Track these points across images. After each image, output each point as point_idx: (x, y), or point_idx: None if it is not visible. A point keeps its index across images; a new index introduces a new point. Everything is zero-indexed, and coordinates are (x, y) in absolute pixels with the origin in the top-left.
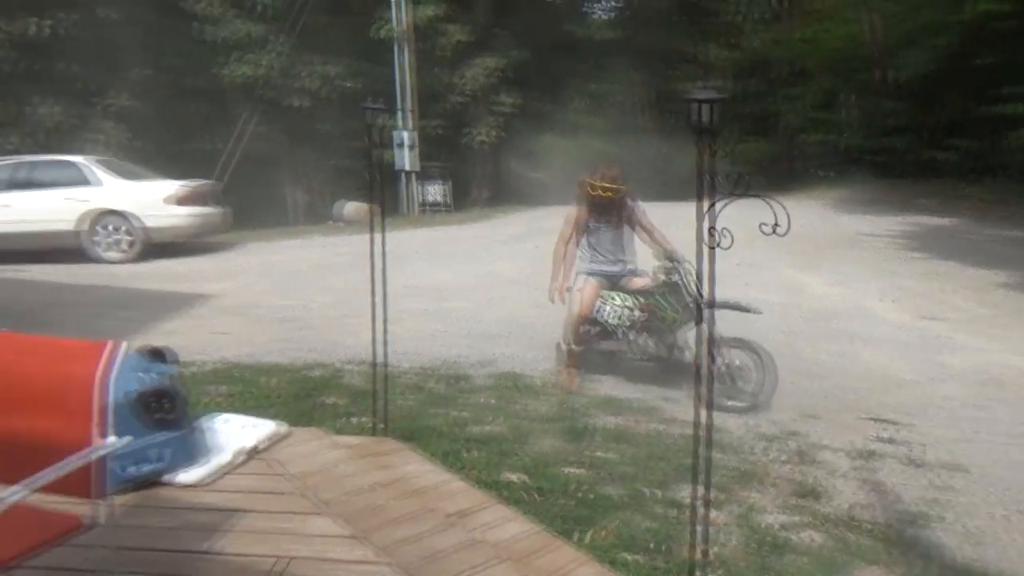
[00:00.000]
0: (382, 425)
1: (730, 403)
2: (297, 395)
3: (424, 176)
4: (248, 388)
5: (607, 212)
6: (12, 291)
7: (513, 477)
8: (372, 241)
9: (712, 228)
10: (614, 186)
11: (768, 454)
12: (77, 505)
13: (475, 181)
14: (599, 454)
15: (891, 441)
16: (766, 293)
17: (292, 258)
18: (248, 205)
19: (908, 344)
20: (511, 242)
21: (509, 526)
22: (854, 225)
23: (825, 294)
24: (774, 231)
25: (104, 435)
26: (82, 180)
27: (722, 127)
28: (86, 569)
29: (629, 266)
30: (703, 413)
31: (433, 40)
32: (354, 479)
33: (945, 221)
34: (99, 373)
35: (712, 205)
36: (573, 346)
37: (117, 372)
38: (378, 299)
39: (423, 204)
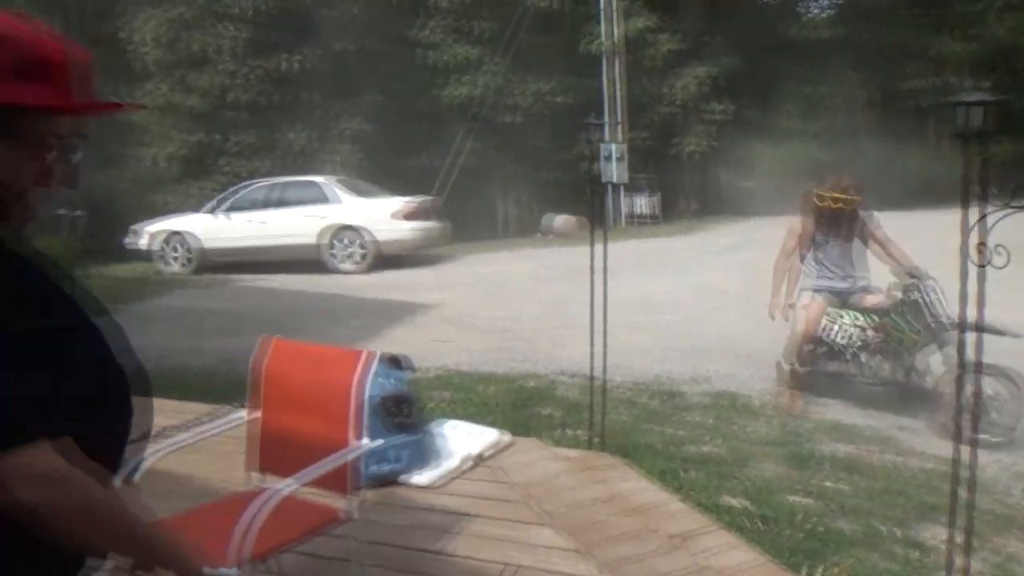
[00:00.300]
0: (598, 439)
1: (981, 436)
2: (514, 404)
3: (632, 188)
4: (468, 395)
5: (837, 225)
6: (263, 299)
7: (734, 502)
8: (592, 255)
9: (982, 244)
10: (846, 196)
11: None
12: (334, 499)
13: (684, 192)
14: (828, 484)
15: None
16: None
17: (503, 270)
18: (462, 219)
19: None
20: (723, 253)
21: (733, 554)
22: None
23: None
24: None
25: (359, 436)
26: (323, 198)
27: (994, 131)
28: (339, 558)
29: (861, 282)
30: (958, 447)
31: (642, 51)
32: (574, 492)
33: None
34: (355, 379)
35: (983, 218)
36: (796, 366)
37: (369, 378)
38: (588, 312)
39: (631, 216)
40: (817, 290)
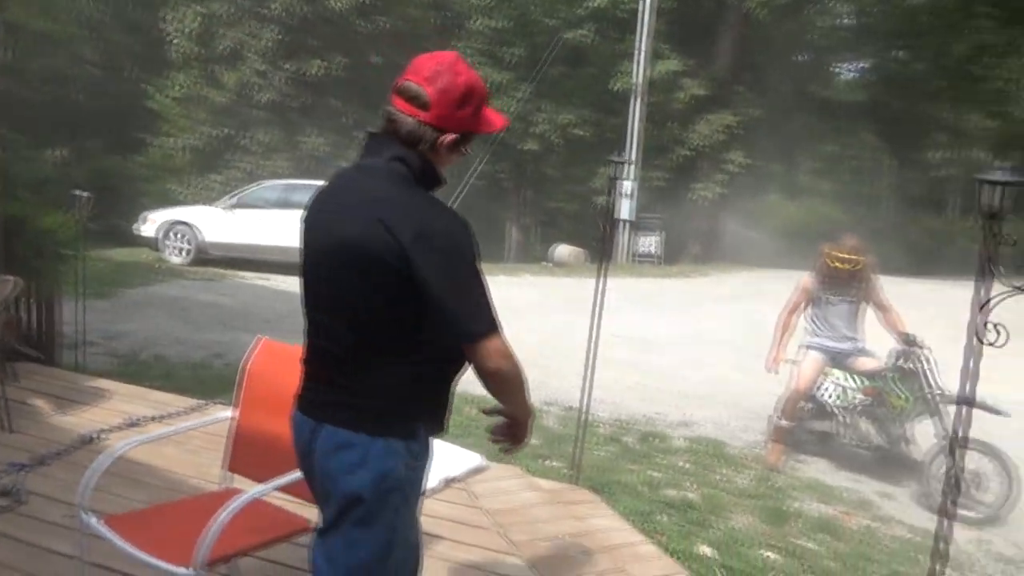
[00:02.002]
0: (567, 471)
1: (964, 513)
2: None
3: (639, 227)
4: (453, 416)
5: (843, 285)
6: (263, 298)
7: (707, 551)
8: (597, 290)
9: (996, 324)
10: (853, 258)
11: None
12: (303, 507)
13: (690, 236)
14: (801, 542)
15: None
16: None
17: (505, 295)
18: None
19: None
20: (723, 302)
21: None
22: None
23: None
24: None
25: None
26: None
27: (1014, 212)
28: (300, 568)
29: (859, 344)
30: (942, 521)
31: (669, 93)
32: (547, 525)
33: None
34: None
35: (1000, 296)
36: (783, 422)
37: None
38: (584, 345)
39: (636, 254)
40: (815, 348)
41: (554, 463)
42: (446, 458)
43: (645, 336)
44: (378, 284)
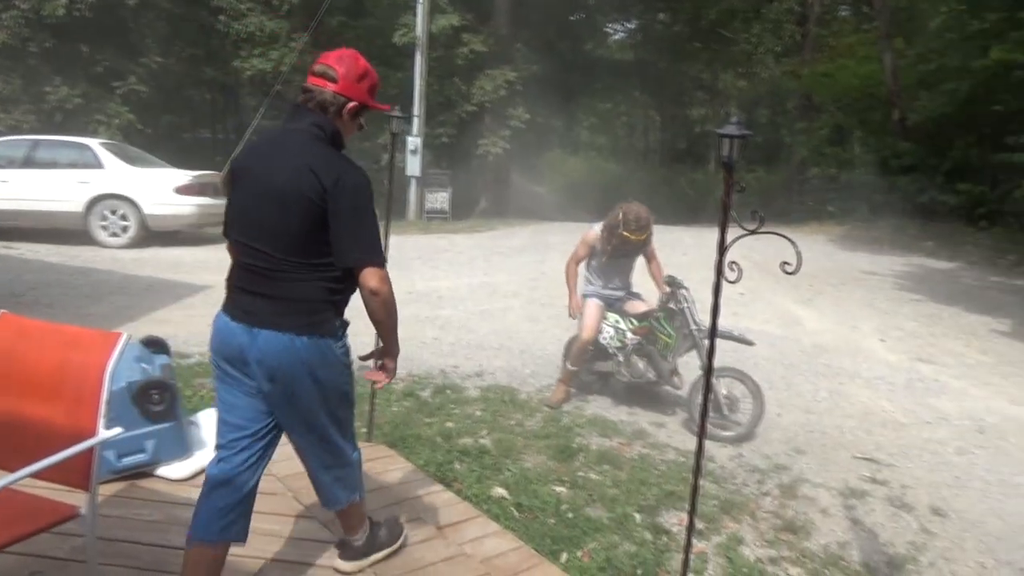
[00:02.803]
0: (365, 430)
1: (722, 433)
2: None
3: (428, 183)
4: None
5: (629, 251)
6: (13, 270)
7: (501, 492)
8: (384, 247)
9: (727, 262)
10: (645, 236)
11: (757, 487)
12: (70, 493)
13: (479, 191)
14: (586, 474)
15: (878, 482)
16: (765, 325)
17: None
18: None
19: (901, 385)
20: (512, 254)
21: (494, 542)
22: (856, 262)
23: (824, 329)
24: (796, 271)
25: (102, 425)
26: (93, 163)
27: (741, 162)
28: (70, 559)
29: (631, 289)
30: (701, 442)
31: (451, 49)
32: None
33: (947, 265)
34: (101, 363)
35: (725, 240)
36: (570, 366)
37: (111, 363)
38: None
39: (426, 211)
40: (593, 296)
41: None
42: None
43: (438, 291)
44: (302, 216)
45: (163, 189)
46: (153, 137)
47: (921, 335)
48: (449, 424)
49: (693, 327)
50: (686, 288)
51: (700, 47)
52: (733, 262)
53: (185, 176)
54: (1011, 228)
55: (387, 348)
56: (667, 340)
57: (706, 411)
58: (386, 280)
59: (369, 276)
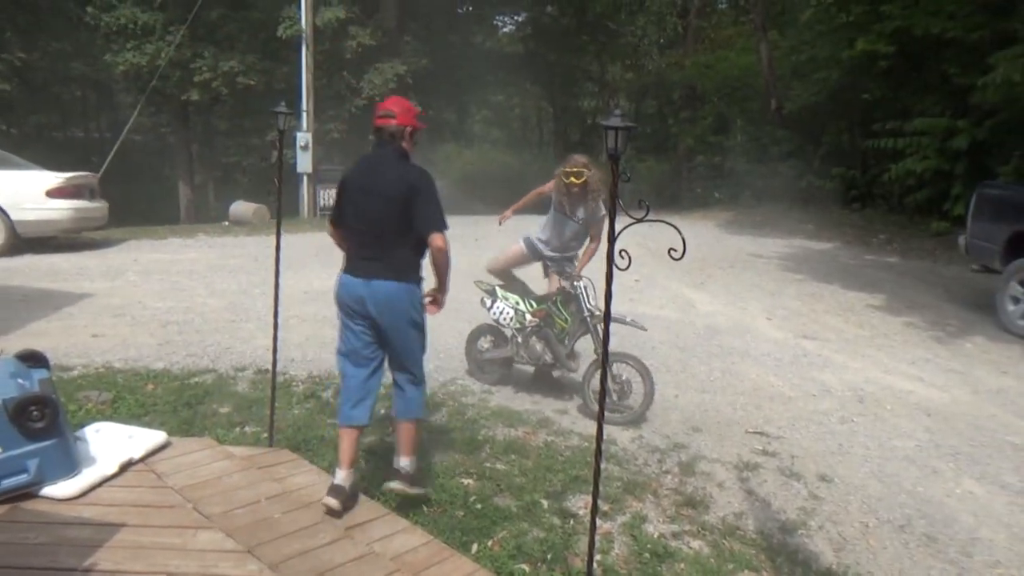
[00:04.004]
0: (266, 435)
1: (616, 417)
2: (183, 403)
3: (321, 179)
4: (129, 395)
5: (571, 205)
6: None
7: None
8: (278, 247)
9: (617, 250)
10: (581, 181)
11: (658, 466)
12: None
13: None
14: (492, 465)
15: (769, 453)
16: (660, 310)
17: (180, 257)
18: (138, 200)
19: (788, 361)
20: None
21: (404, 538)
22: (742, 246)
23: (714, 311)
24: (682, 257)
25: None
26: None
27: (630, 152)
28: None
29: (567, 266)
30: (601, 427)
31: (338, 42)
32: (243, 492)
33: (825, 245)
34: None
35: (614, 230)
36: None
37: None
38: (272, 305)
39: (320, 208)
40: (527, 240)
41: (251, 428)
42: (117, 440)
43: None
44: (398, 207)
45: (32, 193)
46: (19, 138)
47: (804, 313)
48: None
49: (586, 313)
50: (584, 277)
51: (588, 39)
52: (623, 250)
53: (56, 178)
54: (880, 209)
55: (441, 287)
56: (563, 324)
57: (604, 396)
58: (445, 240)
59: (436, 238)
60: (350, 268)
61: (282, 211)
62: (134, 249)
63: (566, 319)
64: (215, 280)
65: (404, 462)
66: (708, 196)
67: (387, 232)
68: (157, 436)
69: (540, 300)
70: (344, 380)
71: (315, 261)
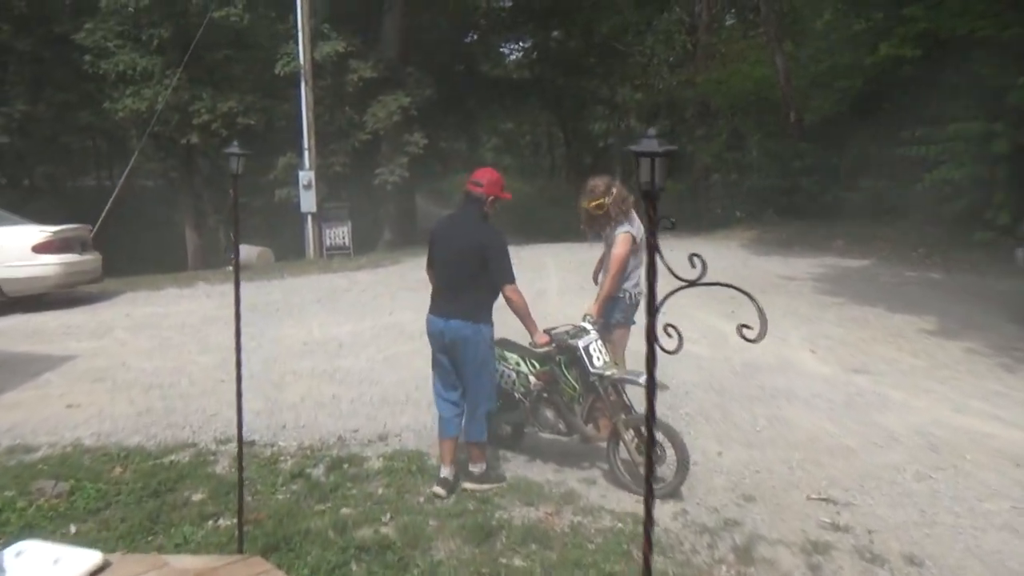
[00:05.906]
0: (236, 544)
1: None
2: (151, 492)
3: (326, 218)
4: (91, 483)
5: (596, 229)
6: None
7: None
8: (237, 316)
9: (661, 325)
10: (594, 203)
11: (709, 553)
12: None
13: (381, 222)
14: (508, 561)
15: (840, 528)
16: (694, 346)
17: (175, 310)
18: (148, 247)
19: (841, 402)
20: (419, 288)
21: None
22: (771, 267)
23: (750, 345)
24: (760, 337)
25: None
26: None
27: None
28: None
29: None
30: (650, 512)
31: (339, 76)
32: None
33: (860, 262)
34: None
35: (654, 294)
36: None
37: None
38: (266, 359)
39: (326, 247)
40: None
41: (224, 521)
42: (46, 567)
43: (339, 338)
44: (473, 261)
45: (18, 249)
46: (28, 190)
47: (850, 342)
48: (345, 510)
49: (593, 378)
50: (589, 326)
51: (595, 61)
52: (669, 325)
53: (42, 232)
54: (916, 221)
55: (526, 327)
56: (571, 392)
57: (651, 471)
58: (517, 291)
59: (509, 291)
60: (433, 307)
61: (288, 253)
62: (128, 302)
63: (573, 386)
64: (209, 334)
65: (473, 468)
66: (729, 215)
67: (462, 279)
68: (91, 558)
69: (542, 360)
70: (436, 400)
71: (318, 307)
